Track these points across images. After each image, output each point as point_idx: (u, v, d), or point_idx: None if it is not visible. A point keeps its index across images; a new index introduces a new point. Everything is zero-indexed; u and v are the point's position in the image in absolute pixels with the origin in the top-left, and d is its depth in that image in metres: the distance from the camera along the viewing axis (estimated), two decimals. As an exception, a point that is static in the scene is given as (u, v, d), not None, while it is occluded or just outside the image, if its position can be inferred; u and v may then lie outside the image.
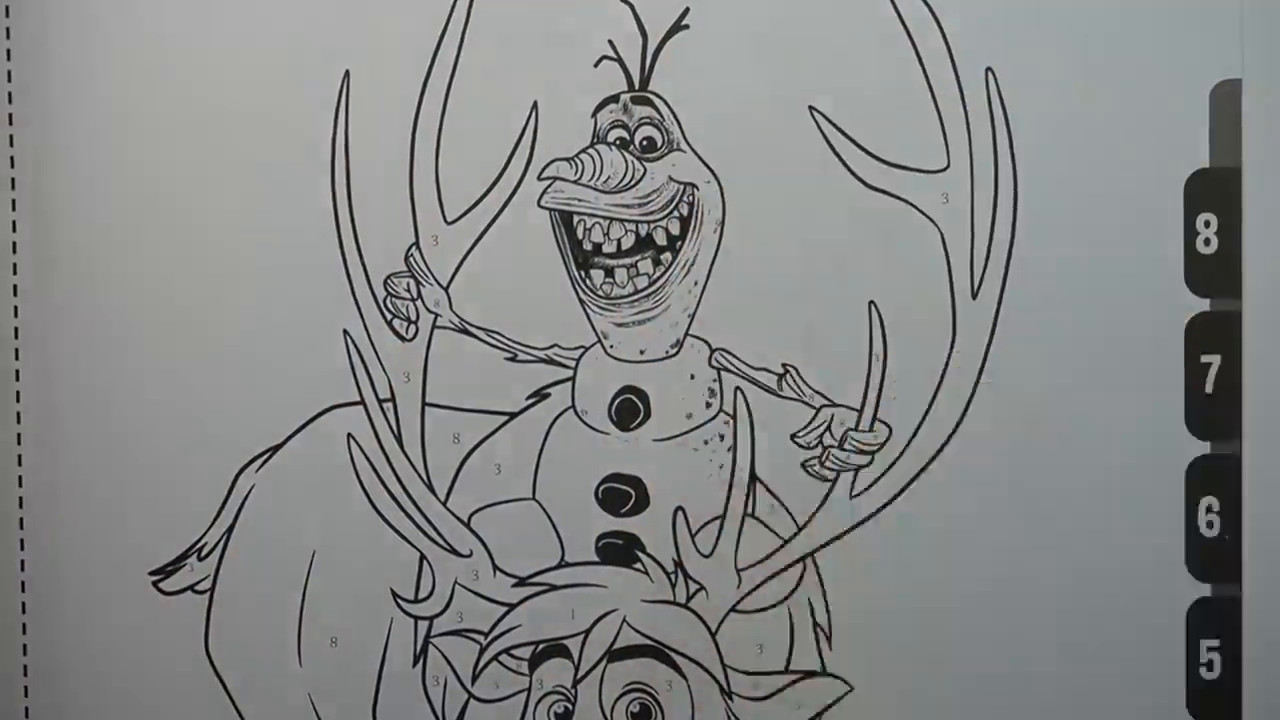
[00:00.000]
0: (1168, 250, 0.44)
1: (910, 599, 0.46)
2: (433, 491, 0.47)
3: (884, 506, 0.47)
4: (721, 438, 0.47)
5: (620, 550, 0.47)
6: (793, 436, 0.47)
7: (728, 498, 0.47)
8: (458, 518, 0.47)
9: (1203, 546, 0.44)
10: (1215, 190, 0.44)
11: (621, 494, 0.47)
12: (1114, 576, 0.44)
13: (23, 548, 0.47)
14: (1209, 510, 0.44)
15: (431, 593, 0.47)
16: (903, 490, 0.47)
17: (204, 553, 0.46)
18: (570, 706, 0.46)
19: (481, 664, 0.47)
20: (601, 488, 0.47)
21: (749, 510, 0.47)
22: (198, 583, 0.46)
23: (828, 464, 0.47)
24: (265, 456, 0.47)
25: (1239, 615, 0.44)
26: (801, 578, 0.47)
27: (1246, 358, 0.44)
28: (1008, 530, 0.46)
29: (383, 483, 0.47)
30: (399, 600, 0.46)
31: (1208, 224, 0.44)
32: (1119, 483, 0.44)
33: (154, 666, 0.45)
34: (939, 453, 0.46)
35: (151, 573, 0.46)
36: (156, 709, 0.45)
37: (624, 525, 0.47)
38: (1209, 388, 0.44)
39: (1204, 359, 0.44)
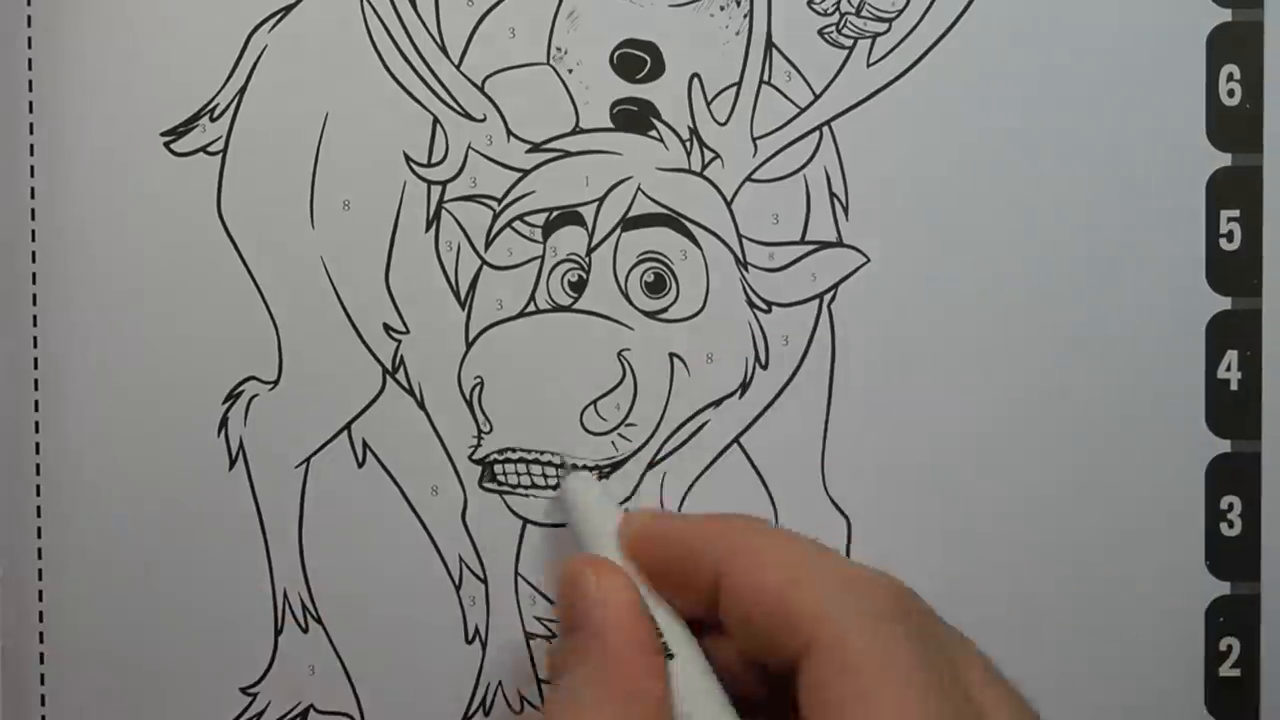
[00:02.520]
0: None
1: (927, 170, 0.46)
2: (446, 54, 0.46)
3: (901, 75, 0.46)
4: (738, 2, 0.46)
5: (635, 117, 0.46)
6: (809, 3, 0.46)
7: (744, 64, 0.46)
8: (471, 81, 0.46)
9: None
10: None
11: (637, 59, 0.46)
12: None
13: (31, 110, 0.46)
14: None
15: (445, 157, 0.46)
16: (920, 59, 0.46)
17: (216, 114, 0.46)
18: (584, 275, 0.46)
19: (495, 230, 0.46)
20: (617, 53, 0.46)
21: (765, 77, 0.47)
22: (210, 144, 0.46)
23: (845, 31, 0.46)
24: (279, 16, 0.46)
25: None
26: (818, 146, 0.47)
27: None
28: (1022, 102, 0.46)
29: (395, 44, 0.46)
30: (412, 164, 0.46)
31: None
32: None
33: (166, 228, 0.45)
34: (957, 21, 0.46)
35: (163, 133, 0.45)
36: (169, 270, 0.45)
37: (639, 91, 0.47)
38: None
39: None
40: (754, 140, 0.46)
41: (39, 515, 0.47)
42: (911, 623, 0.35)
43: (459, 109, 0.46)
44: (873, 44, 0.46)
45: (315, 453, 0.47)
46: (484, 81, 0.46)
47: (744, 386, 0.46)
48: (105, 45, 0.46)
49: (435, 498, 0.47)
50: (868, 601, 0.35)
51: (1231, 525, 0.46)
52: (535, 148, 0.46)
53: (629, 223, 0.46)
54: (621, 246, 0.46)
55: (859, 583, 0.36)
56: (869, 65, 0.46)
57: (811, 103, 0.46)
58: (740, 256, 0.46)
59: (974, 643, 0.37)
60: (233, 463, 0.47)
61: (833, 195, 0.46)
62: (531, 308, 0.46)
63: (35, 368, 0.46)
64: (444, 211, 0.46)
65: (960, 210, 0.46)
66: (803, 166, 0.46)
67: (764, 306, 0.46)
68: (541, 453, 0.47)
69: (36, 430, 0.47)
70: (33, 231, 0.46)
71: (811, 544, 0.38)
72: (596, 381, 0.46)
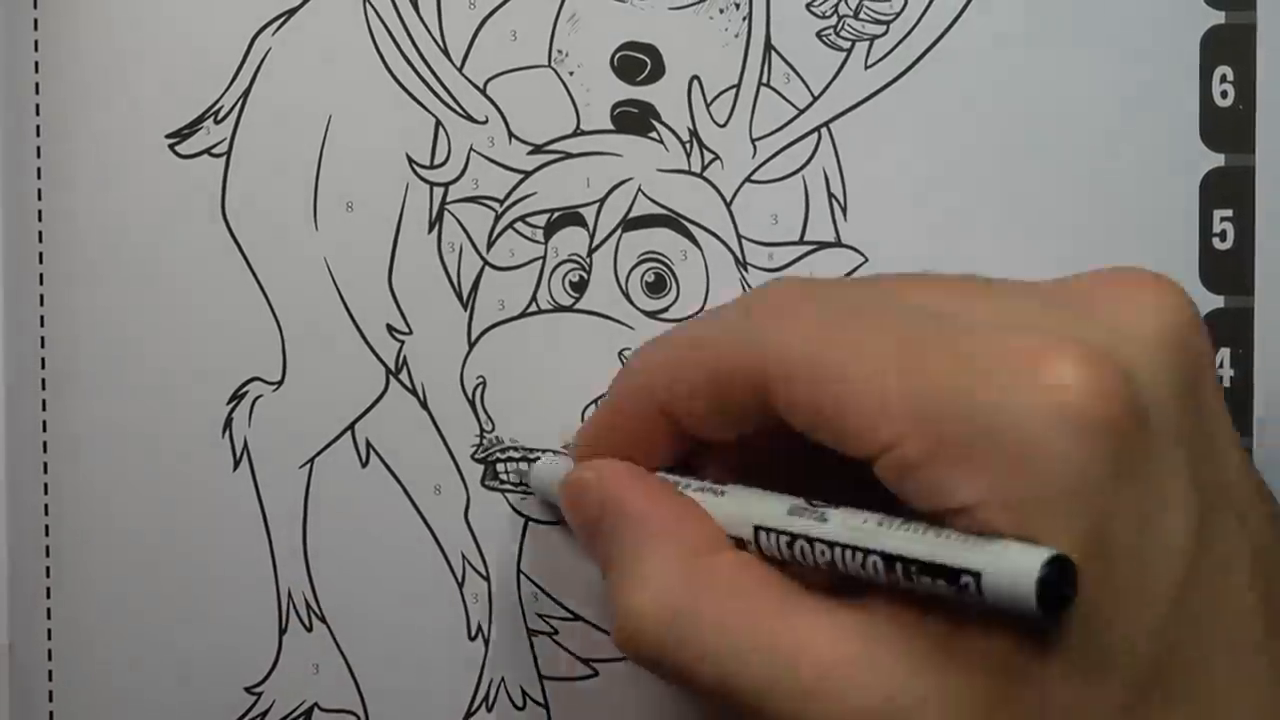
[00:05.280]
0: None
1: (925, 171, 0.47)
2: (448, 57, 0.47)
3: (898, 77, 0.47)
4: (737, 6, 0.47)
5: (636, 119, 0.47)
6: (808, 6, 0.47)
7: (743, 67, 0.47)
8: (473, 83, 0.47)
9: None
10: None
11: (637, 62, 0.47)
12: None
13: (38, 112, 0.46)
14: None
15: (447, 159, 0.47)
16: (917, 61, 0.47)
17: (220, 116, 0.46)
18: (585, 276, 0.47)
19: (497, 231, 0.47)
20: (617, 56, 0.47)
21: (764, 79, 0.47)
22: (214, 145, 0.46)
23: (843, 33, 0.47)
24: (282, 20, 0.46)
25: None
26: (817, 148, 0.47)
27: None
28: (1018, 103, 0.46)
29: (398, 47, 0.46)
30: (414, 166, 0.46)
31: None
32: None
33: (171, 230, 0.46)
34: (953, 24, 0.46)
35: (168, 136, 0.46)
36: (174, 272, 0.45)
37: (639, 93, 0.47)
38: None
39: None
40: (753, 142, 0.47)
41: (45, 514, 0.47)
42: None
43: (461, 111, 0.47)
44: (871, 46, 0.46)
45: (319, 453, 0.48)
46: (486, 84, 0.47)
47: (744, 385, 0.47)
48: (111, 48, 0.46)
49: (438, 497, 0.48)
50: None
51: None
52: (537, 149, 0.47)
53: (629, 223, 0.47)
54: (622, 247, 0.47)
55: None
56: (867, 67, 0.46)
57: (810, 104, 0.46)
58: (740, 257, 0.47)
59: None
60: (237, 463, 0.47)
61: (831, 196, 0.47)
62: (533, 308, 0.47)
63: (42, 368, 0.47)
64: (446, 213, 0.47)
65: (956, 210, 0.46)
66: (801, 168, 0.47)
67: (763, 306, 0.46)
68: (544, 451, 0.47)
69: (44, 430, 0.47)
70: (39, 233, 0.47)
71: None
72: (598, 380, 0.47)
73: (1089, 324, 0.31)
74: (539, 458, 0.47)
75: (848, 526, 0.35)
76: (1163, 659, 0.32)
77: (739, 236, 0.47)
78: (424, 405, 0.48)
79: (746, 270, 0.47)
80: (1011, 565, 0.31)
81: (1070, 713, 0.32)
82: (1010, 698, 0.32)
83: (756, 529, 0.37)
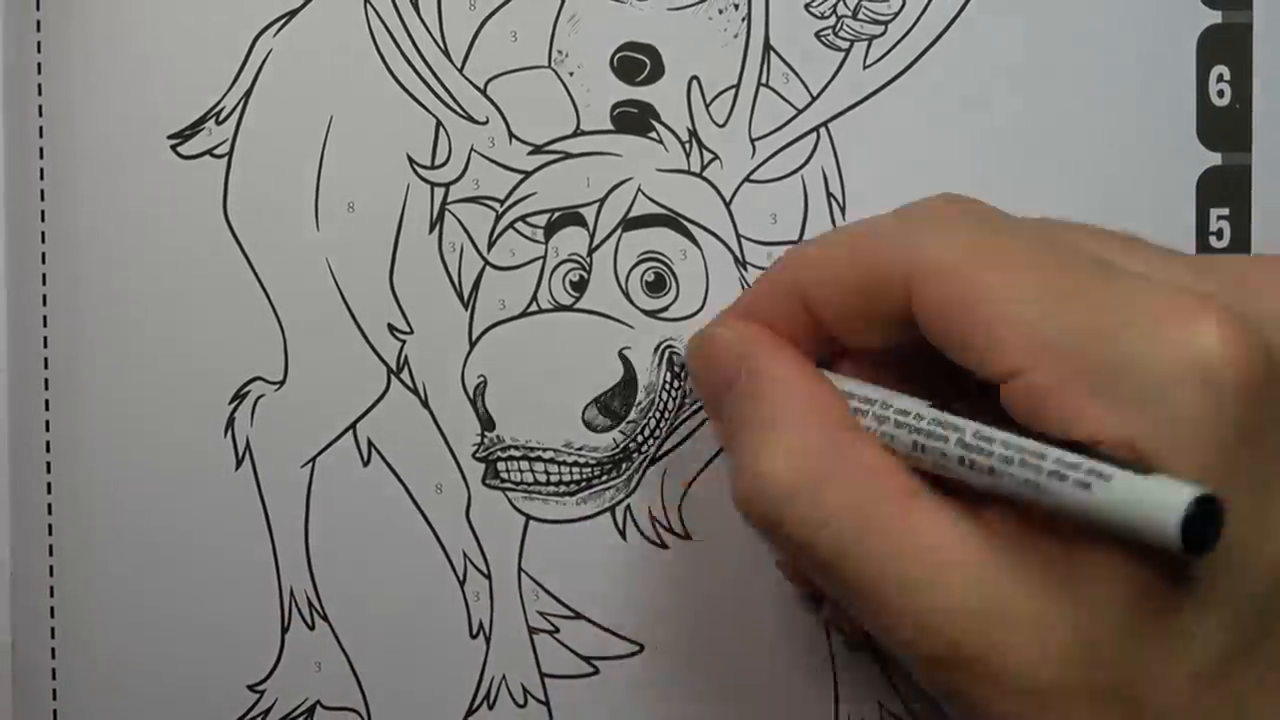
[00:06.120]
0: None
1: (923, 170, 0.47)
2: (448, 58, 0.47)
3: (896, 77, 0.47)
4: (736, 6, 0.47)
5: (635, 119, 0.47)
6: (807, 6, 0.47)
7: (742, 67, 0.47)
8: (473, 84, 0.47)
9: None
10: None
11: (637, 62, 0.47)
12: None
13: (41, 114, 0.46)
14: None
15: (448, 159, 0.47)
16: (915, 61, 0.47)
17: (222, 117, 0.46)
18: (585, 275, 0.47)
19: (498, 231, 0.47)
20: (617, 56, 0.47)
21: (763, 79, 0.47)
22: (216, 146, 0.46)
23: (841, 33, 0.47)
24: (284, 21, 0.46)
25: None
26: (815, 147, 0.47)
27: None
28: (1015, 103, 0.47)
29: (398, 48, 0.47)
30: (415, 166, 0.47)
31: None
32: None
33: (173, 230, 0.46)
34: (951, 24, 0.47)
35: (170, 136, 0.46)
36: (176, 272, 0.46)
37: (639, 94, 0.47)
38: None
39: None
40: (752, 141, 0.47)
41: (49, 513, 0.47)
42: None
43: (461, 112, 0.47)
44: (869, 46, 0.47)
45: (321, 452, 0.48)
46: (486, 84, 0.47)
47: (743, 384, 0.47)
48: (113, 50, 0.47)
49: (439, 495, 0.48)
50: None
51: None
52: (537, 150, 0.47)
53: (629, 223, 0.47)
54: (622, 247, 0.47)
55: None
56: (865, 67, 0.47)
57: (809, 104, 0.47)
58: (739, 256, 0.47)
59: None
60: (239, 462, 0.48)
61: (830, 195, 0.47)
62: (534, 307, 0.47)
63: (45, 368, 0.47)
64: (447, 213, 0.47)
65: (955, 209, 0.46)
66: (800, 167, 0.47)
67: (763, 305, 0.47)
68: (544, 450, 0.47)
69: (47, 429, 0.47)
70: (42, 233, 0.47)
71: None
72: (598, 379, 0.47)
73: (1237, 294, 0.32)
74: (549, 454, 0.48)
75: (981, 433, 0.35)
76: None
77: (738, 236, 0.47)
78: (425, 404, 0.48)
79: (746, 270, 0.47)
80: (1159, 498, 0.31)
81: (1198, 649, 0.32)
82: (1138, 631, 0.32)
83: (895, 420, 0.37)
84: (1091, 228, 0.38)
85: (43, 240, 0.47)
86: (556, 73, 0.47)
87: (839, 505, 0.34)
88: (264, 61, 0.47)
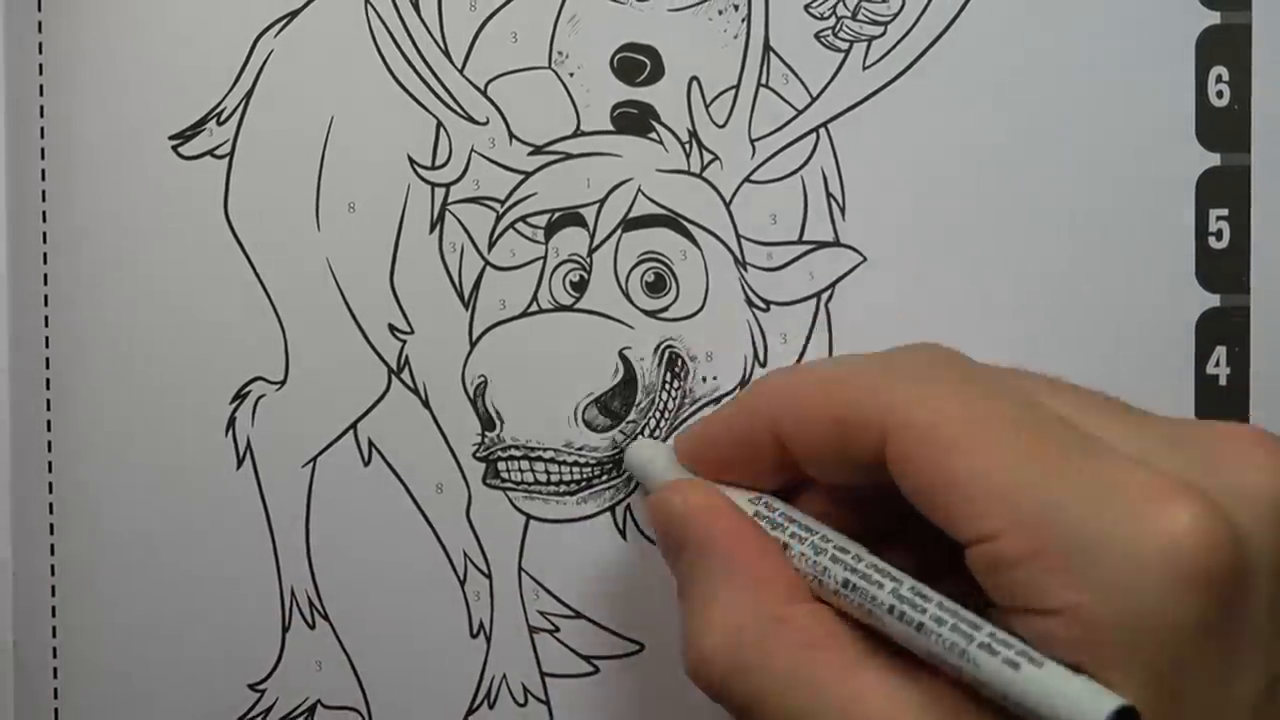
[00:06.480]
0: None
1: (922, 170, 0.47)
2: (449, 58, 0.47)
3: (896, 78, 0.47)
4: (736, 7, 0.47)
5: (635, 119, 0.47)
6: (807, 7, 0.47)
7: (742, 68, 0.47)
8: (474, 85, 0.47)
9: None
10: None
11: (637, 63, 0.47)
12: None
13: (42, 114, 0.46)
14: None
15: (448, 160, 0.47)
16: (914, 62, 0.47)
17: (223, 117, 0.46)
18: (585, 275, 0.47)
19: (498, 231, 0.47)
20: (617, 57, 0.47)
21: (763, 80, 0.47)
22: (217, 147, 0.46)
23: (841, 34, 0.47)
24: (284, 21, 0.46)
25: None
26: (815, 148, 0.48)
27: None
28: (1015, 104, 0.47)
29: (399, 48, 0.47)
30: (416, 166, 0.47)
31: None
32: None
33: (174, 230, 0.46)
34: (950, 25, 0.47)
35: (171, 137, 0.46)
36: (177, 273, 0.46)
37: (639, 94, 0.47)
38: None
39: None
40: (752, 142, 0.47)
41: (51, 513, 0.47)
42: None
43: (462, 112, 0.47)
44: (868, 47, 0.47)
45: (321, 452, 0.48)
46: (486, 85, 0.47)
47: (743, 384, 0.47)
48: (114, 50, 0.47)
49: (440, 495, 0.48)
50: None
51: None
52: (537, 150, 0.47)
53: (629, 224, 0.47)
54: (622, 247, 0.47)
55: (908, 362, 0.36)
56: (865, 68, 0.47)
57: (808, 105, 0.47)
58: (739, 256, 0.47)
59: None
60: (240, 462, 0.48)
61: (829, 196, 0.47)
62: (534, 307, 0.47)
63: (46, 368, 0.47)
64: (448, 213, 0.47)
65: (953, 210, 0.47)
66: (800, 168, 0.47)
67: (762, 305, 0.47)
68: (544, 449, 0.47)
69: (48, 429, 0.47)
70: (44, 233, 0.47)
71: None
72: (598, 379, 0.47)
73: (1211, 476, 0.32)
74: (549, 454, 0.48)
75: (918, 589, 0.35)
76: None
77: (738, 236, 0.47)
78: (425, 404, 0.48)
79: (745, 270, 0.47)
80: (1083, 699, 0.31)
81: None
82: None
83: (833, 555, 0.37)
84: (1070, 387, 0.37)
85: (44, 240, 0.47)
86: (557, 73, 0.47)
87: (776, 683, 0.34)
88: (265, 62, 0.47)
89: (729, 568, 0.38)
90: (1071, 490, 0.31)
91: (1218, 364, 0.47)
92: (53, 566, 0.47)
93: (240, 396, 0.47)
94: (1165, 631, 0.30)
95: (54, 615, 0.48)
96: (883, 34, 0.47)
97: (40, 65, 0.47)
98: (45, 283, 0.47)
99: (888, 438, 0.34)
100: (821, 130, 0.47)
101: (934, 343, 0.38)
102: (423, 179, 0.47)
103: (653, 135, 0.47)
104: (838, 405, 0.36)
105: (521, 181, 0.47)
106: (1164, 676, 0.30)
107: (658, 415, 0.47)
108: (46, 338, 0.47)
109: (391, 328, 0.47)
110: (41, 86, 0.47)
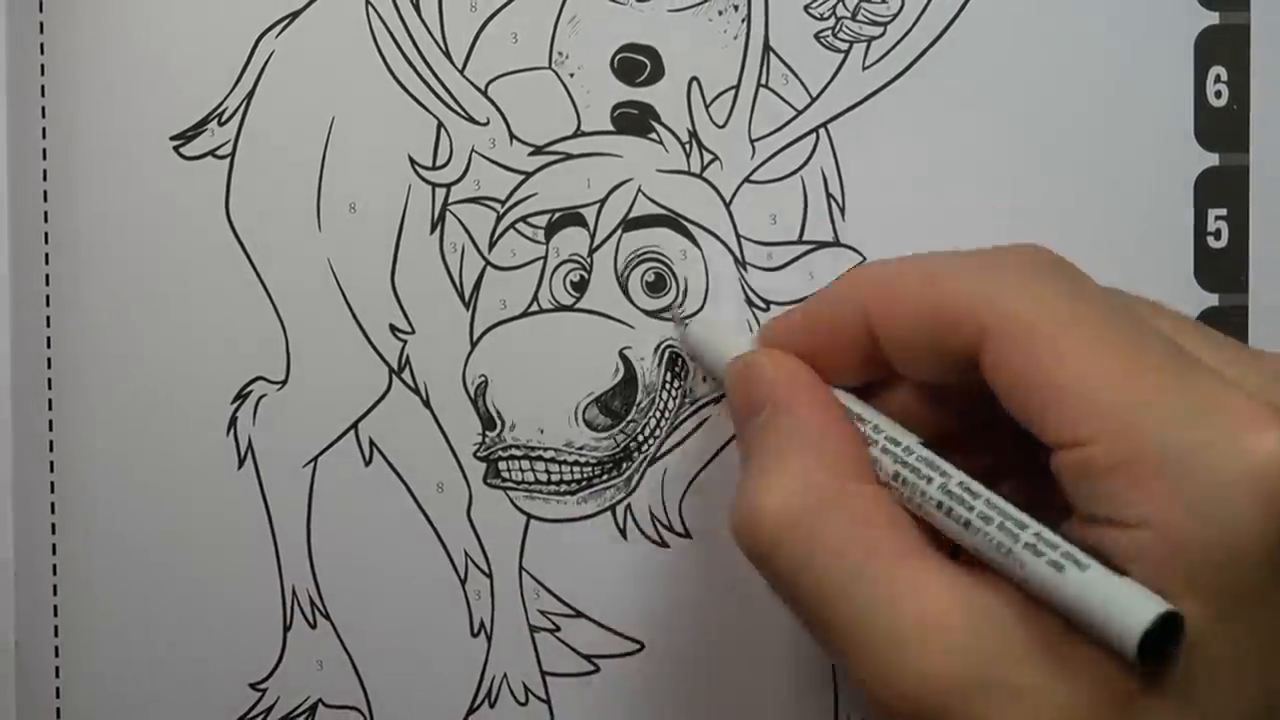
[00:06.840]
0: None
1: (922, 171, 0.47)
2: (450, 59, 0.47)
3: (895, 78, 0.47)
4: (736, 7, 0.47)
5: (635, 120, 0.47)
6: (806, 7, 0.47)
7: (742, 68, 0.47)
8: (474, 85, 0.47)
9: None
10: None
11: (637, 63, 0.47)
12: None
13: (44, 115, 0.46)
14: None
15: (449, 160, 0.47)
16: (914, 62, 0.47)
17: (224, 118, 0.46)
18: (586, 275, 0.47)
19: (499, 231, 0.47)
20: (617, 57, 0.47)
21: (763, 81, 0.47)
22: (218, 148, 0.46)
23: (841, 35, 0.47)
24: (285, 22, 0.47)
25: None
26: (815, 148, 0.48)
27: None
28: (1014, 104, 0.47)
29: (400, 49, 0.47)
30: (416, 167, 0.47)
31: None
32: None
33: (176, 231, 0.46)
34: (950, 25, 0.47)
35: (172, 137, 0.46)
36: (178, 273, 0.46)
37: (639, 95, 0.48)
38: None
39: None
40: (752, 142, 0.47)
41: (53, 512, 0.47)
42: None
43: (462, 113, 0.47)
44: (868, 48, 0.47)
45: (322, 452, 0.48)
46: (487, 85, 0.47)
47: (743, 383, 0.47)
48: (116, 51, 0.47)
49: (440, 494, 0.48)
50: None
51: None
52: (537, 150, 0.47)
53: (630, 224, 0.47)
54: (622, 247, 0.47)
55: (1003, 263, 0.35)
56: (864, 69, 0.47)
57: (808, 105, 0.47)
58: (739, 256, 0.47)
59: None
60: (241, 462, 0.48)
61: (829, 196, 0.47)
62: (534, 307, 0.47)
63: (49, 367, 0.47)
64: (448, 213, 0.47)
65: (953, 210, 0.47)
66: (800, 168, 0.47)
67: (762, 305, 0.47)
68: (545, 449, 0.47)
69: (50, 429, 0.47)
70: (45, 234, 0.47)
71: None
72: (598, 379, 0.47)
73: None
74: (549, 454, 0.48)
75: (967, 485, 0.35)
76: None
77: (738, 236, 0.48)
78: (426, 404, 0.48)
79: (746, 270, 0.47)
80: (1127, 602, 0.31)
81: None
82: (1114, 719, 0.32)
83: (884, 446, 0.37)
84: (1172, 311, 0.37)
85: (45, 241, 0.47)
86: (557, 74, 0.47)
87: (825, 553, 0.33)
88: (266, 63, 0.47)
89: (805, 434, 0.37)
90: (1170, 406, 0.31)
91: (1217, 363, 0.47)
92: (54, 566, 0.48)
93: (241, 396, 0.47)
94: (1243, 551, 0.30)
95: (55, 615, 0.48)
96: (882, 34, 0.47)
97: (42, 66, 0.47)
98: (47, 283, 0.47)
99: (985, 333, 0.33)
100: (821, 130, 0.47)
101: (1040, 244, 0.37)
102: (423, 179, 0.47)
103: (653, 135, 0.47)
104: (936, 296, 0.35)
105: (522, 182, 0.47)
106: (1234, 594, 0.30)
107: (658, 415, 0.47)
108: (48, 338, 0.47)
109: (392, 328, 0.47)
110: (43, 87, 0.47)
